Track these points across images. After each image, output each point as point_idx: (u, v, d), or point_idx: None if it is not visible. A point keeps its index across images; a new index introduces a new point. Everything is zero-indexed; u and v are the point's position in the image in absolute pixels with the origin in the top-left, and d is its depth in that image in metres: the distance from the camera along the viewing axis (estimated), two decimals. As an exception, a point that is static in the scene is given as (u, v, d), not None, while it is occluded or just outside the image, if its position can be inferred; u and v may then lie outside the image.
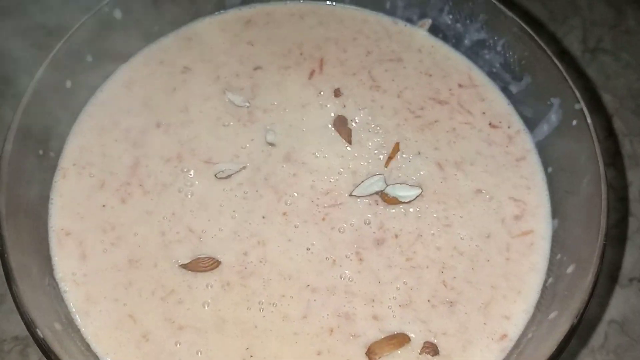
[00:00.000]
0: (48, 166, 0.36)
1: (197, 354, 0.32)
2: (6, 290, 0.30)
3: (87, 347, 0.31)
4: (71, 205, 0.35)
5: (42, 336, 0.28)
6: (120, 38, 0.39)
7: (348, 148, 0.38)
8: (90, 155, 0.37)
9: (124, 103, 0.39)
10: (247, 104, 0.39)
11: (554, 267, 0.34)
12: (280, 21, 0.43)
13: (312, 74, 0.41)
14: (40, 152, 0.35)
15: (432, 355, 0.32)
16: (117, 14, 0.38)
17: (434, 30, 0.43)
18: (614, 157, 0.48)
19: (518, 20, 0.38)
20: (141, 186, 0.36)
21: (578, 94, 0.35)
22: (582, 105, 0.35)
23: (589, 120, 0.34)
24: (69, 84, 0.37)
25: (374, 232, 0.35)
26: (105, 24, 0.38)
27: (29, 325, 0.28)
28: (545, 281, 0.34)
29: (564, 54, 0.52)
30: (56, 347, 0.28)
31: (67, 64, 0.36)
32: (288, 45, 0.42)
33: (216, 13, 0.43)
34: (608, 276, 0.43)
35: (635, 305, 0.42)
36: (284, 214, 0.35)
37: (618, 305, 0.42)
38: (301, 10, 0.44)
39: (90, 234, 0.34)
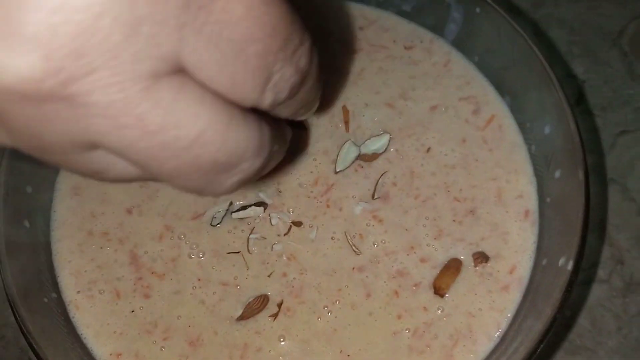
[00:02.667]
0: (59, 307, 0.35)
1: (303, 381, 0.33)
2: None
3: None
4: (103, 328, 0.35)
5: None
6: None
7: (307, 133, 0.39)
8: (87, 275, 0.36)
9: (83, 210, 0.38)
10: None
11: (530, 135, 0.38)
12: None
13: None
14: (45, 299, 0.34)
15: (486, 262, 0.35)
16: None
17: (311, -8, 0.44)
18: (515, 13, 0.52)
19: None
20: (154, 273, 0.36)
21: (470, -15, 0.38)
22: (479, -8, 0.37)
23: (490, 1, 0.37)
24: (27, 223, 0.35)
25: (376, 192, 0.37)
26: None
27: None
28: (530, 149, 0.38)
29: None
30: None
31: (16, 205, 0.35)
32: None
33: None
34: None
35: (587, 123, 0.47)
36: (293, 222, 0.36)
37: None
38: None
39: (140, 343, 0.34)
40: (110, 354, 0.34)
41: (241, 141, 0.19)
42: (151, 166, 0.18)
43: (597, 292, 0.42)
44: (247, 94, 0.19)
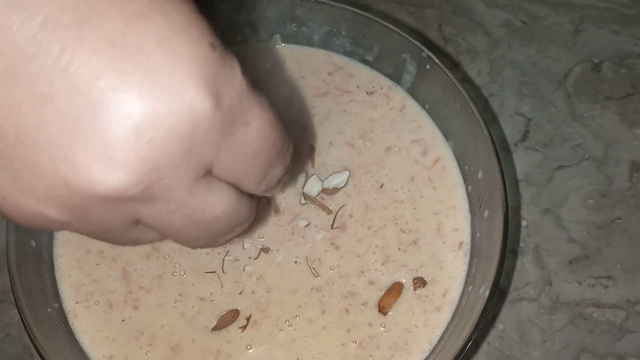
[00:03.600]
0: (59, 316, 0.41)
1: (265, 383, 0.39)
2: None
3: None
4: (98, 334, 0.41)
5: None
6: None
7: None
8: (85, 287, 0.42)
9: (83, 231, 0.44)
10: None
11: (468, 177, 0.44)
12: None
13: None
14: (49, 309, 0.40)
15: (423, 287, 0.41)
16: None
17: (286, 40, 0.50)
18: (459, 57, 0.58)
19: (346, 7, 0.46)
20: (142, 288, 0.42)
21: (420, 45, 0.44)
22: (427, 52, 0.43)
23: (437, 61, 0.43)
24: (33, 243, 0.41)
25: (335, 222, 0.43)
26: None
27: None
28: (467, 189, 0.44)
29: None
30: None
31: (27, 228, 0.40)
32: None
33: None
34: (500, 149, 0.54)
35: (530, 158, 0.53)
36: (262, 247, 0.43)
37: (518, 165, 0.53)
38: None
39: (129, 347, 0.40)
40: (104, 357, 0.40)
41: (242, 215, 0.27)
42: (178, 235, 0.26)
43: (527, 309, 0.48)
44: (250, 186, 0.27)
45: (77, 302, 0.42)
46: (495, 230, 0.38)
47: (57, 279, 0.42)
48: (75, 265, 0.43)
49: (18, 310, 0.38)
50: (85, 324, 0.41)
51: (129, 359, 0.40)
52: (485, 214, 0.41)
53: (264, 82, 0.48)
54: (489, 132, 0.40)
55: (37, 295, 0.40)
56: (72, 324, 0.41)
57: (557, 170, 0.53)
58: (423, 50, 0.43)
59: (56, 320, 0.40)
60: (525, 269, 0.50)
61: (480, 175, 0.42)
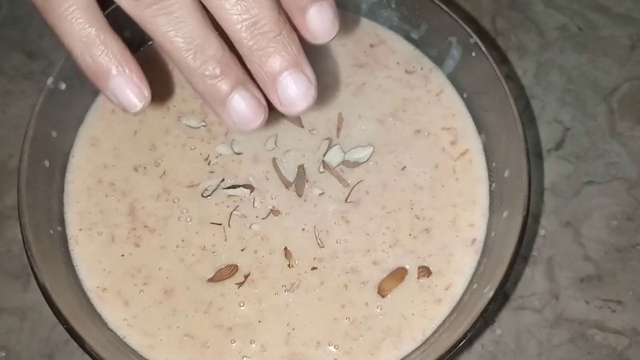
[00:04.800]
0: (61, 240, 0.41)
1: (251, 343, 0.39)
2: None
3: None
4: (95, 265, 0.40)
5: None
6: (71, 104, 0.43)
7: (303, 130, 0.44)
8: (90, 216, 0.42)
9: (98, 160, 0.43)
10: (203, 124, 0.44)
11: (493, 174, 0.42)
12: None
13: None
14: (51, 231, 0.40)
15: (428, 276, 0.40)
16: (61, 85, 0.41)
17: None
18: (507, 53, 0.56)
19: (402, -22, 0.44)
20: (146, 227, 0.41)
21: (470, 30, 0.42)
22: (476, 39, 0.42)
23: (484, 49, 0.41)
24: (47, 163, 0.41)
25: (350, 197, 0.42)
26: (54, 98, 0.41)
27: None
28: (490, 186, 0.43)
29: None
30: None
31: (41, 146, 0.40)
32: (216, 58, 0.46)
33: (141, 49, 0.47)
34: (532, 153, 0.52)
35: (561, 168, 0.52)
36: (272, 208, 0.42)
37: (547, 173, 0.52)
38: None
39: (123, 283, 0.40)
40: (97, 287, 0.40)
41: None
42: None
43: (528, 319, 0.47)
44: None
45: (80, 230, 0.41)
46: (511, 232, 0.37)
47: (64, 203, 0.42)
48: (84, 193, 0.42)
49: (20, 225, 0.38)
50: (84, 253, 0.41)
51: (122, 294, 0.40)
52: (504, 214, 0.39)
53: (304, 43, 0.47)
54: (524, 133, 0.39)
55: (42, 214, 0.40)
56: (72, 250, 0.41)
57: (586, 184, 0.51)
58: (471, 36, 0.42)
59: (57, 243, 0.40)
60: (534, 279, 0.48)
61: (506, 174, 0.40)
